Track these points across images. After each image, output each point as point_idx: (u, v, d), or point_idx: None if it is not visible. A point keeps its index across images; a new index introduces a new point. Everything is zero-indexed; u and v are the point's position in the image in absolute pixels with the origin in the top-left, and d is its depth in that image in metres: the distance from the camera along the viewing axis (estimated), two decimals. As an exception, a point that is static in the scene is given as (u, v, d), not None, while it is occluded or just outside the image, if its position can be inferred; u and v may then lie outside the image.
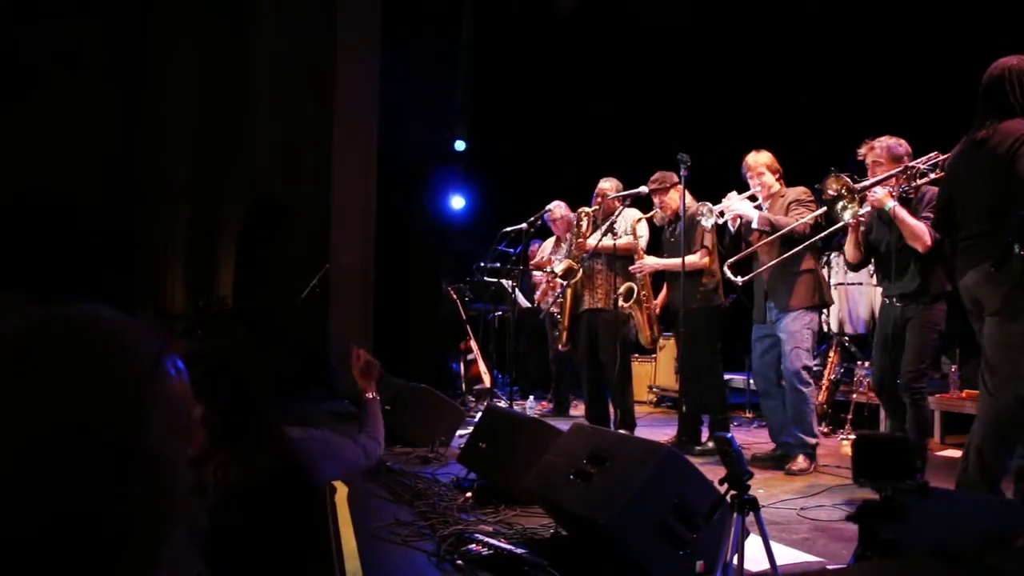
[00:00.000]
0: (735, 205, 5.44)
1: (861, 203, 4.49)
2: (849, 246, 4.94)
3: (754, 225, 5.40)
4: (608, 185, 6.28)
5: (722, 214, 5.46)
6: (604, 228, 6.12)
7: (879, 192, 4.52)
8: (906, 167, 4.54)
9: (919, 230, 4.44)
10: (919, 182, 4.53)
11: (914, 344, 4.59)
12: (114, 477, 0.79)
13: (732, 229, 5.54)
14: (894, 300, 4.72)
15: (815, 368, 7.57)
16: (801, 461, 5.24)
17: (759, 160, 5.50)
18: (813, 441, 5.28)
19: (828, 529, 3.95)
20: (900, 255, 4.66)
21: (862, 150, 4.74)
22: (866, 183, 4.55)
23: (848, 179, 4.50)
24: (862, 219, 4.71)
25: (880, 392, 4.97)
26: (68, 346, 0.82)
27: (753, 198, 5.52)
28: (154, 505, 0.82)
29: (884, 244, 4.78)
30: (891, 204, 4.48)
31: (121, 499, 0.80)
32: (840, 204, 4.54)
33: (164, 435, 0.83)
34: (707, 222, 5.60)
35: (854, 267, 5.22)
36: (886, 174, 4.58)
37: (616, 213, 6.18)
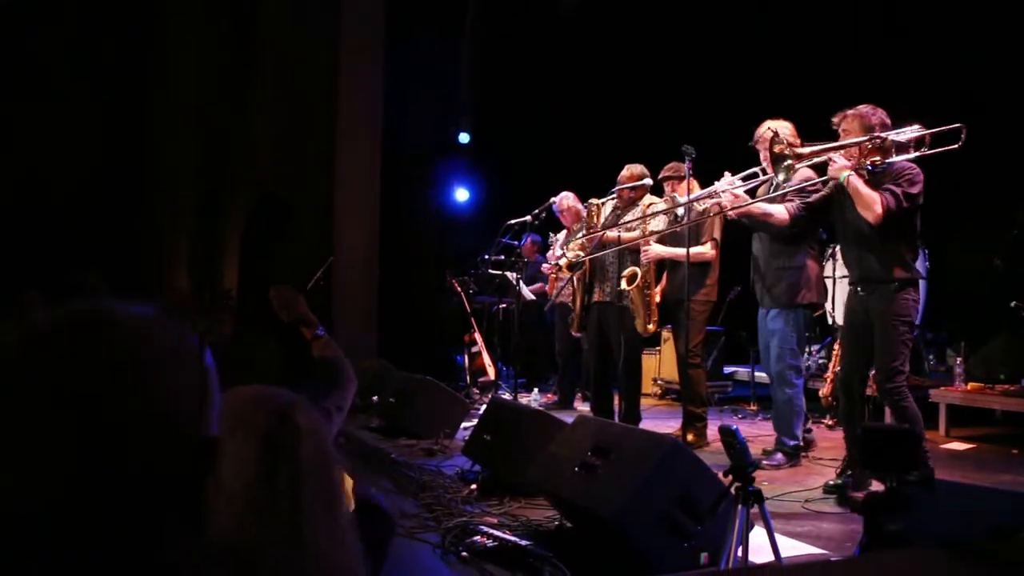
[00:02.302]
0: (721, 188, 5.26)
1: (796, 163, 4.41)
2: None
3: (728, 214, 5.25)
4: (625, 174, 6.20)
5: (713, 196, 5.36)
6: (611, 220, 6.10)
7: (840, 161, 4.32)
8: (871, 137, 4.26)
9: (870, 199, 4.19)
10: (895, 157, 4.26)
11: (881, 341, 4.30)
12: (176, 467, 0.79)
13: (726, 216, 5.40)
14: (858, 289, 4.48)
15: (820, 361, 7.62)
16: (778, 458, 5.22)
17: (765, 134, 5.12)
18: (791, 443, 5.22)
19: (832, 521, 3.95)
20: (861, 236, 4.39)
21: (836, 118, 4.49)
22: (814, 148, 4.40)
23: (785, 140, 4.42)
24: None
25: (845, 391, 4.58)
26: (119, 339, 0.81)
27: (755, 176, 5.25)
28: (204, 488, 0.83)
29: (849, 223, 4.49)
30: (846, 175, 4.26)
31: (180, 488, 0.79)
32: (785, 163, 4.40)
33: (211, 422, 0.84)
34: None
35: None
36: (840, 142, 4.38)
37: (629, 203, 6.16)
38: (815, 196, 4.76)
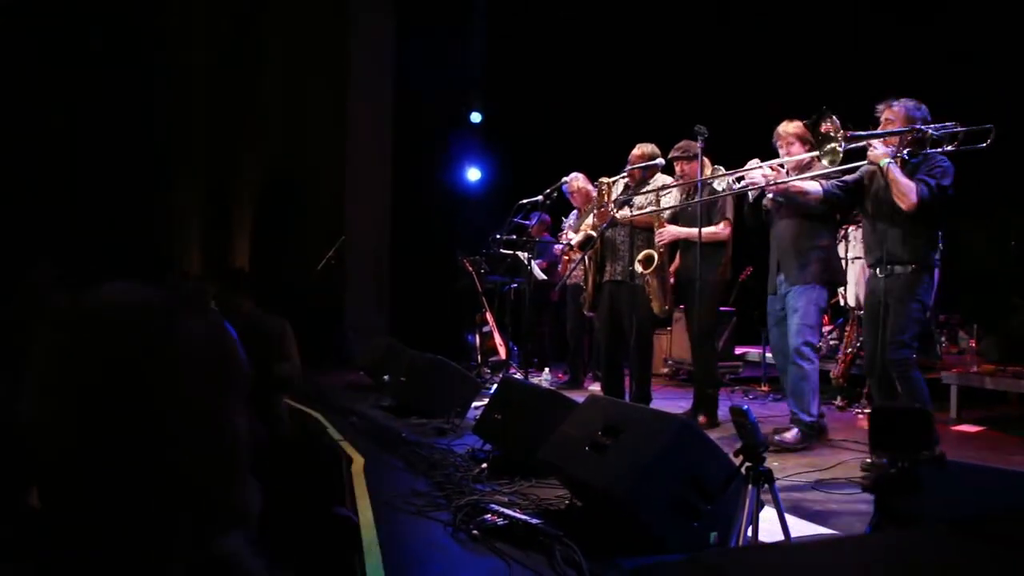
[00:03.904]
0: (753, 173, 5.28)
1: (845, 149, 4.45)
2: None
3: (768, 194, 5.31)
4: (637, 152, 6.18)
5: (740, 179, 5.38)
6: (622, 199, 6.07)
7: (879, 149, 4.52)
8: (913, 129, 4.49)
9: (907, 187, 4.43)
10: (931, 150, 4.48)
11: (893, 315, 4.54)
12: (146, 437, 0.81)
13: (751, 198, 5.41)
14: (877, 271, 4.70)
15: (832, 343, 7.60)
16: (792, 435, 5.14)
17: (788, 130, 5.31)
18: (808, 419, 5.15)
19: (843, 502, 3.94)
20: (889, 219, 4.62)
21: (880, 106, 4.69)
22: (862, 133, 4.52)
23: (838, 122, 4.44)
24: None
25: (870, 373, 4.83)
26: (90, 326, 0.84)
27: (781, 166, 5.31)
28: (196, 456, 0.84)
29: (878, 207, 4.73)
30: (886, 162, 4.47)
31: (159, 455, 0.81)
32: (829, 146, 4.45)
33: (191, 390, 0.85)
34: (718, 185, 5.52)
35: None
36: (885, 130, 4.57)
37: (640, 182, 6.13)
38: (851, 177, 4.95)
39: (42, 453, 0.81)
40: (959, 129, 4.40)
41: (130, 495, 0.80)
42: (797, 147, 5.27)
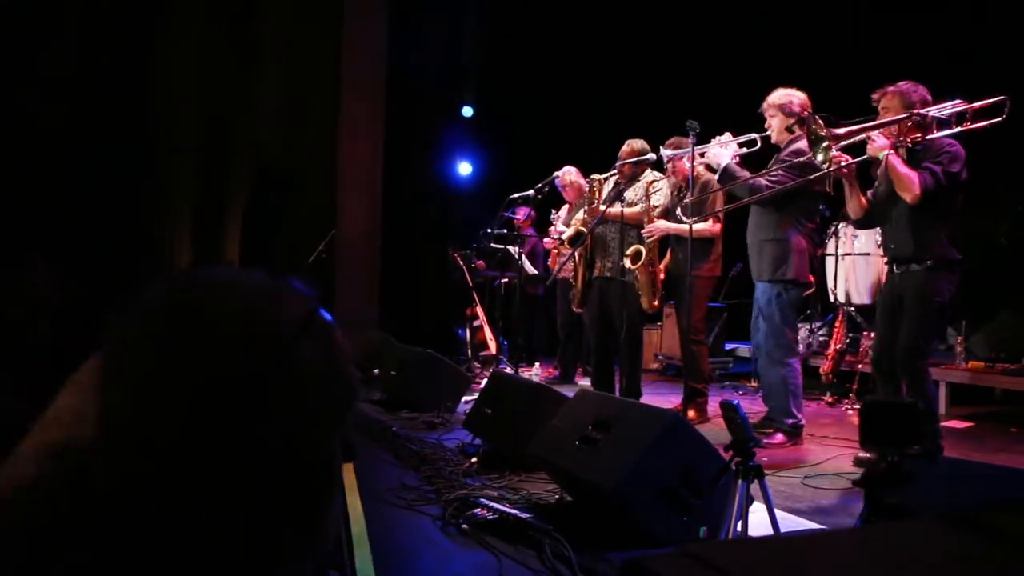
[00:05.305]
0: (714, 150, 5.19)
1: (832, 145, 4.28)
2: (850, 200, 4.61)
3: (716, 176, 5.19)
4: (626, 149, 6.18)
5: (702, 155, 5.32)
6: (613, 195, 6.07)
7: (879, 141, 4.28)
8: (912, 114, 4.22)
9: (908, 179, 4.17)
10: (937, 133, 4.22)
11: (910, 318, 4.30)
12: (236, 459, 0.74)
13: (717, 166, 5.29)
14: (894, 267, 4.48)
15: (821, 338, 7.61)
16: (778, 437, 5.07)
17: (773, 101, 5.15)
18: (790, 422, 5.06)
19: (832, 497, 3.96)
20: (898, 215, 4.40)
21: (875, 95, 4.45)
22: (851, 128, 4.31)
23: (821, 120, 4.27)
24: (842, 168, 4.47)
25: (878, 368, 4.59)
26: (197, 317, 0.76)
27: (752, 143, 5.26)
28: (284, 483, 0.77)
29: (888, 202, 4.48)
30: (885, 153, 4.24)
31: (246, 477, 0.75)
32: (823, 144, 4.27)
33: (294, 411, 0.77)
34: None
35: (859, 223, 4.86)
36: (879, 121, 4.33)
37: (631, 179, 6.14)
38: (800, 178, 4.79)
39: (115, 467, 0.73)
40: (966, 106, 4.10)
41: (208, 522, 0.74)
42: (779, 119, 5.12)
